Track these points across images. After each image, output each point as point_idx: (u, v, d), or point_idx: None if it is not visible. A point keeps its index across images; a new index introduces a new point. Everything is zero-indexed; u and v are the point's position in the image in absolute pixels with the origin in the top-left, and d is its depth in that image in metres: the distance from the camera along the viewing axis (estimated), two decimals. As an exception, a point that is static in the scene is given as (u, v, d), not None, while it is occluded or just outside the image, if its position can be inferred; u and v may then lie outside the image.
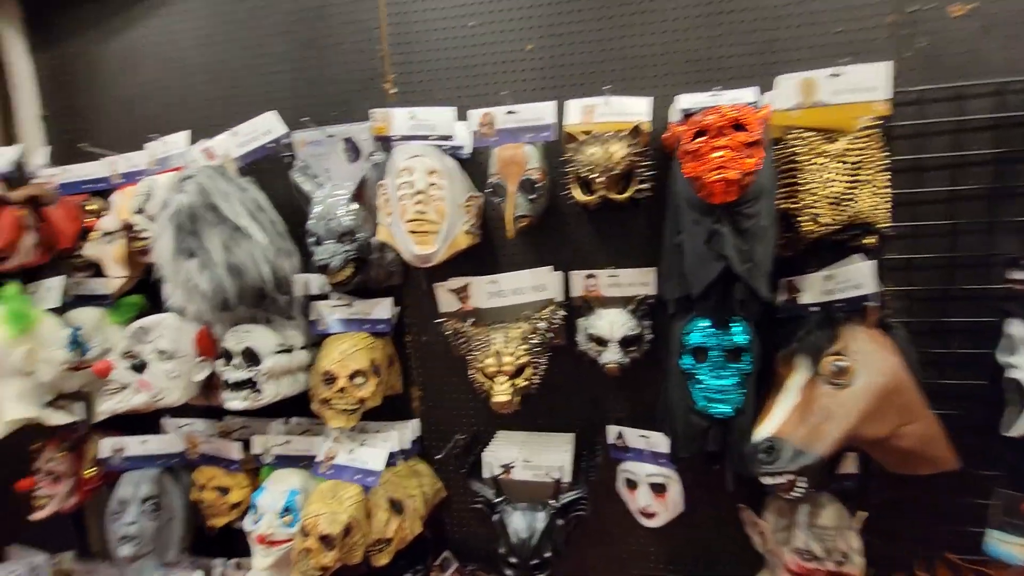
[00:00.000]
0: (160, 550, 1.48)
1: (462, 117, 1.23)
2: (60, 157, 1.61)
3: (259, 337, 1.26)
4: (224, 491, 1.44)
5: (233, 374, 1.23)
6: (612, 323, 1.21)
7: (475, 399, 1.40)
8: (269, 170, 1.45)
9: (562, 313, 1.26)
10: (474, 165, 1.31)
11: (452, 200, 1.15)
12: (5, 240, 1.39)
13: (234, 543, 1.55)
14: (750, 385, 1.05)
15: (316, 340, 1.40)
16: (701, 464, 1.13)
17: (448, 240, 1.13)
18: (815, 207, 1.00)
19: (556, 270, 1.27)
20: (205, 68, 1.50)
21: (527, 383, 1.19)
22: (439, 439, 1.50)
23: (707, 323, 1.07)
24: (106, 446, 1.47)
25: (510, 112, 1.16)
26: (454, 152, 1.28)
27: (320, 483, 1.32)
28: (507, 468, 1.25)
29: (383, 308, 1.37)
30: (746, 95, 1.07)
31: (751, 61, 1.19)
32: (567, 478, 1.23)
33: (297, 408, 1.50)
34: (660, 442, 1.25)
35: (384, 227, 1.19)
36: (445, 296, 1.31)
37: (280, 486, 1.36)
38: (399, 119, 1.19)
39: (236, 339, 1.25)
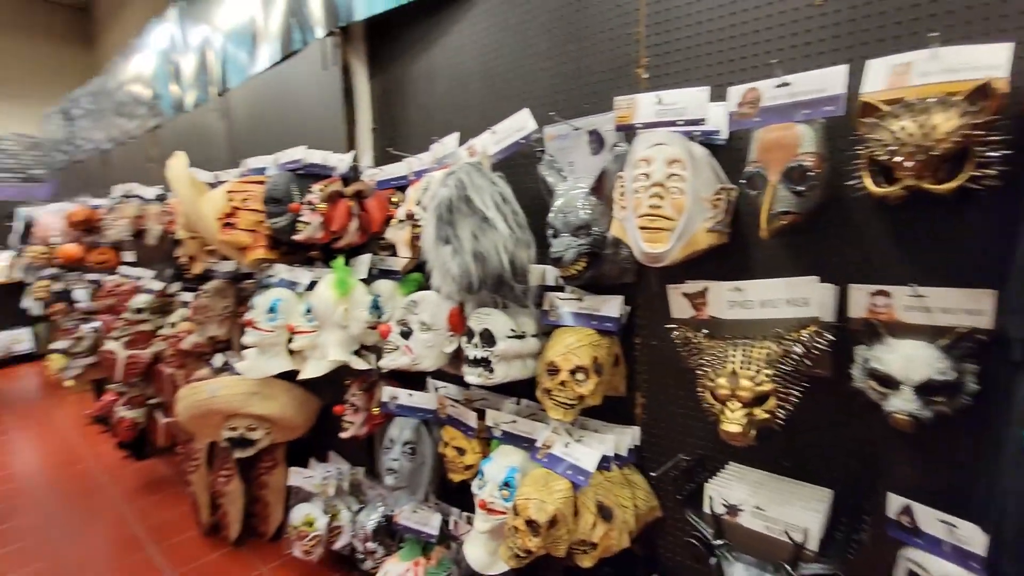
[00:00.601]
0: (413, 487, 1.77)
1: (720, 97, 1.08)
2: (380, 159, 2.05)
3: (496, 321, 1.36)
4: (461, 452, 1.62)
5: (472, 351, 1.36)
6: (910, 360, 0.89)
7: (704, 419, 1.23)
8: (523, 164, 1.56)
9: (829, 337, 0.99)
10: (731, 152, 1.14)
11: (694, 193, 1.01)
12: (340, 224, 1.83)
13: (470, 498, 1.75)
14: None
15: (547, 330, 1.44)
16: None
17: (684, 238, 1.00)
18: None
19: (826, 281, 1.00)
20: (480, 75, 1.67)
21: (768, 416, 0.98)
22: (659, 454, 1.38)
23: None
24: (387, 393, 1.82)
25: (782, 85, 0.96)
26: (707, 138, 1.13)
27: (536, 468, 1.36)
28: (733, 510, 1.06)
29: (613, 306, 1.32)
30: None
31: None
32: (812, 545, 0.97)
33: (532, 391, 1.59)
34: (974, 539, 0.88)
35: (617, 221, 1.13)
36: (678, 300, 1.18)
37: (504, 460, 1.46)
38: (644, 105, 1.11)
39: (478, 320, 1.37)
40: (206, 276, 2.83)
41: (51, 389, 5.46)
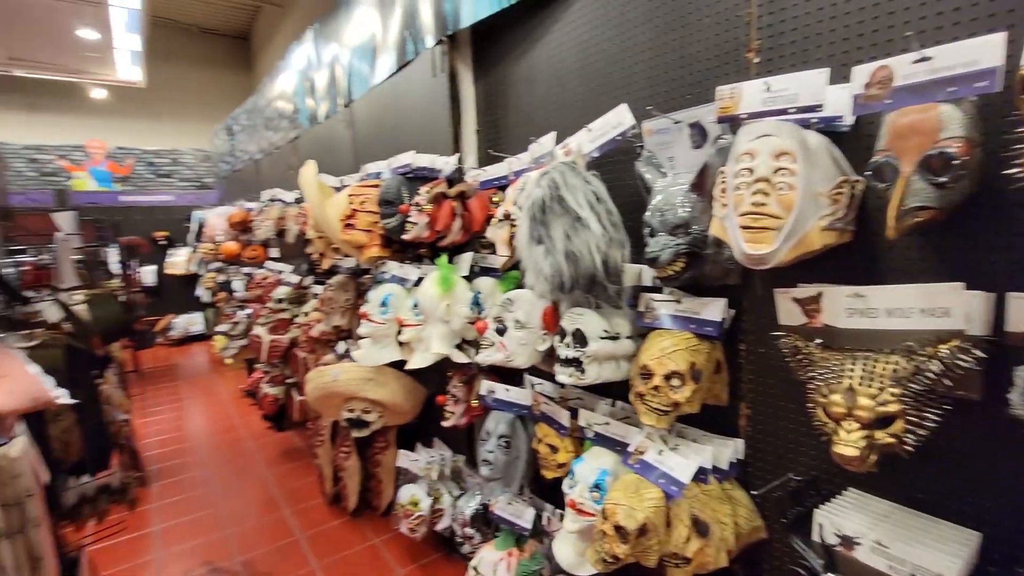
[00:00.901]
0: (507, 480, 1.82)
1: (844, 79, 0.96)
2: (483, 160, 2.12)
3: (589, 321, 1.35)
4: (554, 449, 1.63)
5: (564, 351, 1.36)
6: (1089, 387, 0.73)
7: (819, 437, 1.11)
8: (622, 161, 1.52)
9: (978, 353, 0.84)
10: (858, 140, 1.01)
11: (807, 188, 0.91)
12: (444, 224, 1.93)
13: (563, 495, 1.76)
14: None
15: (643, 332, 1.40)
16: None
17: (793, 238, 0.91)
18: None
19: (974, 288, 0.85)
20: (578, 73, 1.66)
21: (893, 441, 0.86)
22: (766, 471, 1.27)
23: None
24: (484, 386, 1.89)
25: (920, 60, 0.83)
26: (828, 125, 1.02)
27: (627, 473, 1.33)
28: (848, 542, 0.95)
29: (715, 309, 1.24)
30: None
31: None
32: (950, 596, 0.83)
33: (627, 393, 1.55)
34: None
35: (718, 220, 1.06)
36: (787, 305, 1.07)
37: (595, 462, 1.44)
38: (750, 93, 1.02)
39: (570, 320, 1.37)
40: (332, 271, 3.14)
41: (215, 365, 6.41)
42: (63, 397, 0.63)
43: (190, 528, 2.87)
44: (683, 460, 1.23)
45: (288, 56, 4.21)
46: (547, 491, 1.88)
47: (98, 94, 7.87)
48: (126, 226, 7.23)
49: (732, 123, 1.07)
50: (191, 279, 7.45)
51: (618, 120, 1.34)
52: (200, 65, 9.13)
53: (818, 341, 0.99)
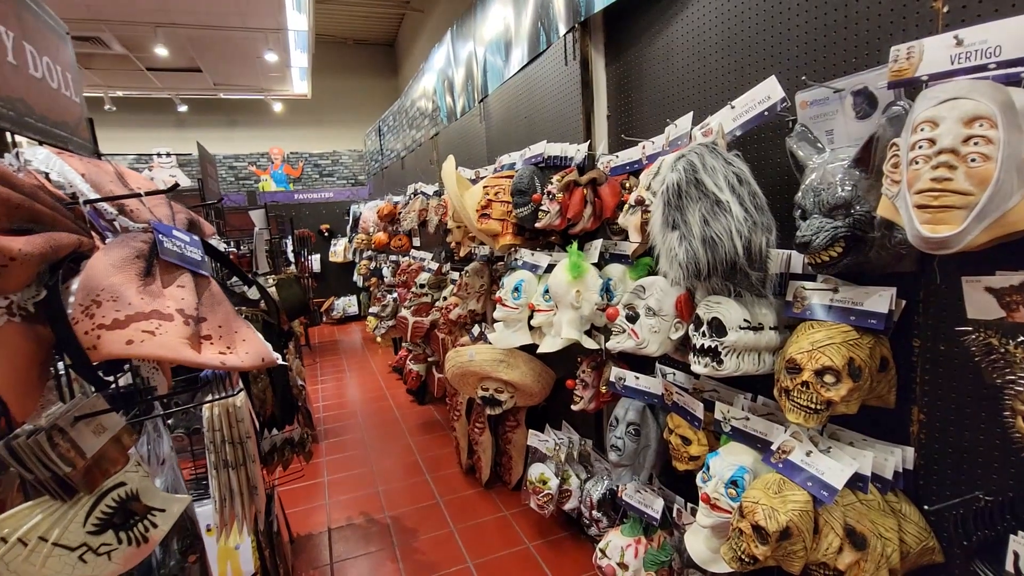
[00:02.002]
0: (636, 468, 1.81)
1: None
2: (616, 146, 2.10)
3: (728, 310, 1.28)
4: (686, 441, 1.58)
5: (699, 340, 1.31)
6: None
7: (1016, 450, 0.94)
8: (769, 138, 1.41)
9: None
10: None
11: (1011, 158, 0.77)
12: (575, 212, 1.95)
13: (694, 488, 1.70)
14: None
15: (790, 323, 1.29)
16: None
17: (988, 218, 0.78)
18: None
19: None
20: (721, 45, 1.55)
21: None
22: (941, 485, 1.11)
23: None
24: (614, 373, 1.89)
25: None
26: (1041, 82, 0.84)
27: (768, 472, 1.25)
28: (1056, 578, 0.80)
29: (880, 299, 1.10)
30: None
31: None
32: None
33: (771, 387, 1.46)
34: None
35: (887, 199, 0.94)
36: (979, 296, 0.92)
37: (732, 457, 1.37)
38: (934, 50, 0.88)
39: (707, 309, 1.31)
40: (468, 259, 3.34)
41: (367, 342, 7.21)
42: (279, 359, 0.78)
43: (350, 482, 3.30)
44: (836, 464, 1.12)
45: (430, 58, 4.52)
46: (678, 482, 1.83)
47: (276, 108, 9.19)
48: (298, 220, 8.39)
49: (911, 88, 0.94)
50: (348, 266, 8.43)
51: (766, 94, 1.24)
52: (354, 74, 10.19)
53: (1021, 339, 0.83)
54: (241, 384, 0.98)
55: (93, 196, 0.70)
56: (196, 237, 0.78)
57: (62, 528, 0.64)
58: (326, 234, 8.92)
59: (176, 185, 0.76)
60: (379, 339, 5.62)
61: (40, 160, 0.69)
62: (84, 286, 0.60)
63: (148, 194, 0.75)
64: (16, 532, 0.62)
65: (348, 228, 8.23)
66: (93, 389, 0.68)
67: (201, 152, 2.80)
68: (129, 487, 0.72)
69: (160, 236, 0.70)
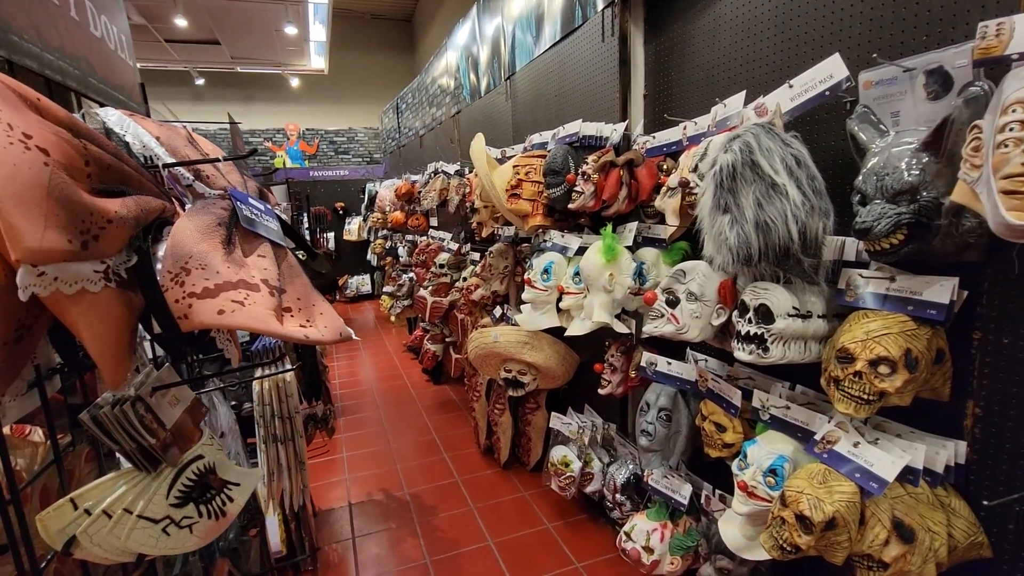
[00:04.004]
0: (666, 453, 1.80)
1: None
2: (652, 127, 2.05)
3: (776, 297, 1.25)
4: (721, 428, 1.57)
5: (745, 327, 1.29)
6: None
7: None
8: (824, 120, 1.36)
9: None
10: None
11: (1110, 142, 0.73)
12: (611, 193, 1.91)
13: (724, 475, 1.70)
14: None
15: (840, 311, 1.26)
16: None
17: (1083, 205, 0.74)
18: None
19: None
20: (775, 21, 1.49)
21: None
22: (997, 481, 1.09)
23: None
24: (645, 358, 1.87)
25: None
26: None
27: (812, 462, 1.23)
28: None
29: (941, 290, 1.07)
30: None
31: None
32: None
33: (808, 376, 1.44)
34: None
35: (964, 184, 0.90)
36: (1057, 289, 0.88)
37: (772, 446, 1.36)
38: (1028, 27, 0.83)
39: (754, 295, 1.28)
40: (491, 239, 3.32)
41: (381, 322, 7.24)
42: (353, 335, 0.77)
43: (369, 459, 3.34)
44: (887, 456, 1.10)
45: (453, 34, 4.44)
46: (705, 468, 1.83)
47: (294, 83, 9.13)
48: (313, 198, 8.39)
49: (998, 67, 0.89)
50: (362, 245, 8.43)
51: (828, 72, 1.19)
52: (370, 50, 10.07)
53: (1105, 334, 0.80)
54: (288, 361, 0.97)
55: (170, 160, 0.68)
56: (269, 206, 0.76)
57: (147, 500, 0.64)
58: (340, 212, 8.92)
59: (255, 150, 0.74)
60: (393, 319, 5.63)
61: (113, 122, 0.67)
62: (172, 252, 0.58)
63: (227, 159, 0.73)
64: (101, 504, 0.61)
65: (363, 206, 8.21)
66: (163, 360, 0.67)
67: (232, 127, 2.78)
68: (207, 460, 0.72)
69: (238, 203, 0.68)
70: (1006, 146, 0.79)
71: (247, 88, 9.39)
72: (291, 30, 6.41)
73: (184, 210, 0.67)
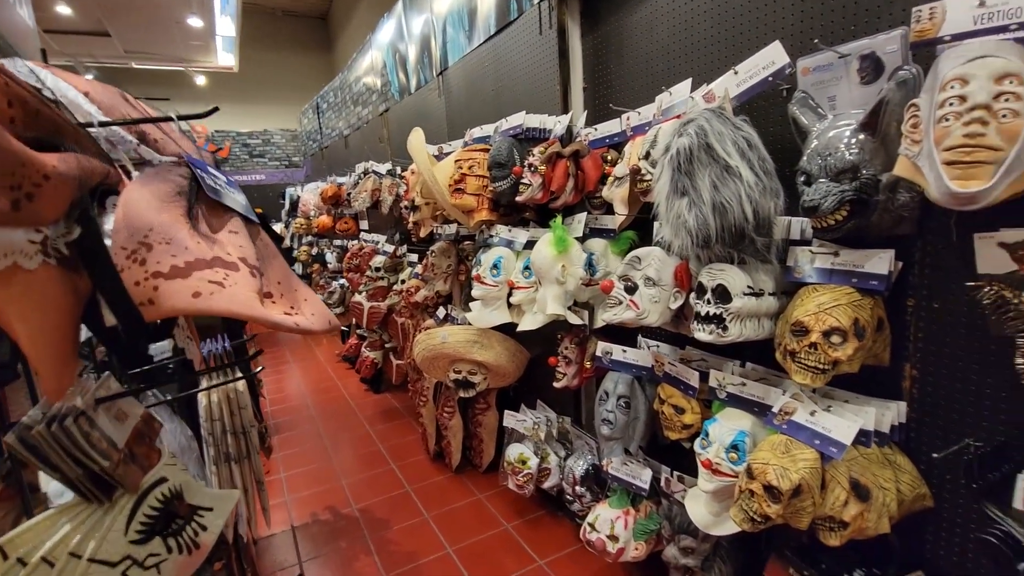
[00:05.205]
0: (626, 440, 1.81)
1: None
2: (592, 119, 2.07)
3: (732, 277, 1.29)
4: (680, 411, 1.60)
5: (705, 308, 1.32)
6: None
7: (1013, 398, 1.01)
8: (762, 107, 1.42)
9: None
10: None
11: (1035, 115, 0.80)
12: (559, 185, 1.90)
13: (679, 457, 1.74)
14: None
15: (788, 288, 1.32)
16: None
17: (1013, 174, 0.81)
18: None
19: None
20: (711, 13, 1.55)
21: None
22: (934, 436, 1.18)
23: None
24: (601, 348, 1.88)
25: None
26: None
27: (771, 434, 1.28)
28: (1063, 510, 0.86)
29: (880, 261, 1.14)
30: None
31: None
32: None
33: (757, 354, 1.50)
34: None
35: (906, 159, 0.96)
36: (991, 252, 0.96)
37: (731, 423, 1.40)
38: (957, 10, 0.90)
39: (710, 276, 1.32)
40: (427, 240, 3.22)
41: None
42: (340, 325, 0.68)
43: (310, 477, 3.13)
44: (842, 421, 1.16)
45: (377, 30, 4.29)
46: (662, 452, 1.86)
47: (199, 81, 8.45)
48: (228, 204, 7.82)
49: (928, 50, 0.96)
50: (285, 252, 7.96)
51: (770, 59, 1.24)
52: (285, 48, 9.55)
53: (1033, 290, 0.88)
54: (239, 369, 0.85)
55: (104, 118, 0.56)
56: (232, 179, 0.65)
57: (99, 539, 0.50)
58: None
59: (216, 108, 0.63)
60: (325, 328, 5.38)
61: (23, 74, 0.53)
62: (127, 225, 0.46)
63: (182, 118, 0.61)
64: (39, 550, 0.47)
65: (284, 212, 7.75)
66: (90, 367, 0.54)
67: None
68: (172, 483, 0.59)
69: (199, 171, 0.57)
70: (947, 120, 0.85)
71: (145, 86, 8.57)
72: (195, 22, 5.92)
73: (130, 180, 0.55)
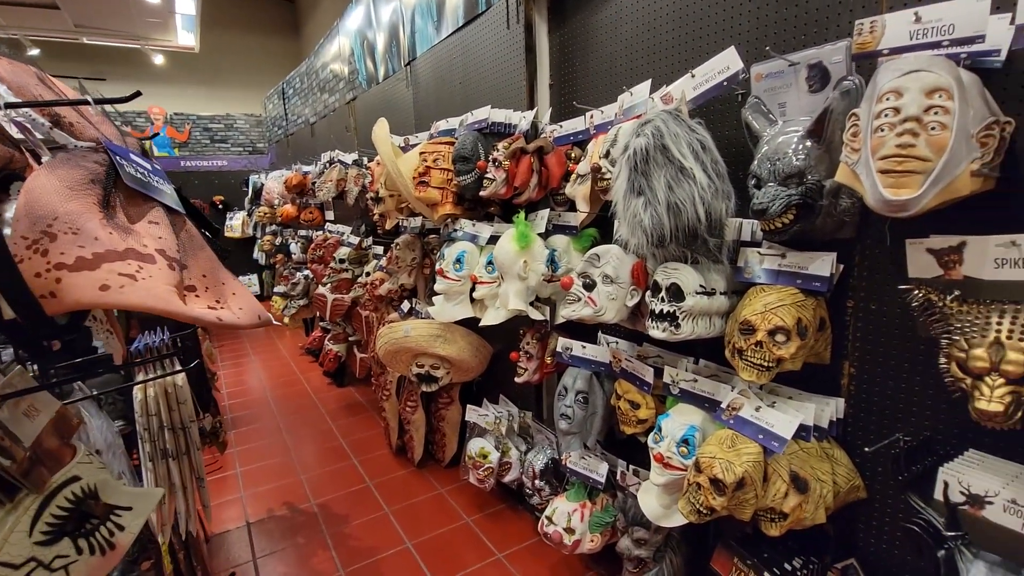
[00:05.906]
0: (583, 434, 1.84)
1: (1005, 8, 0.88)
2: (557, 116, 2.08)
3: (686, 276, 1.32)
4: (635, 406, 1.64)
5: (659, 306, 1.35)
6: None
7: (936, 396, 1.07)
8: (718, 111, 1.46)
9: None
10: (1010, 77, 0.94)
11: (961, 129, 0.85)
12: (523, 180, 1.91)
13: (636, 451, 1.78)
14: None
15: (739, 288, 1.36)
16: None
17: (940, 183, 0.86)
18: None
19: None
20: (673, 16, 1.57)
21: (1046, 397, 0.81)
22: (868, 431, 1.24)
23: None
24: (561, 344, 1.90)
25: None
26: (977, 60, 0.93)
27: (719, 428, 1.32)
28: (976, 501, 0.92)
29: (823, 263, 1.19)
30: None
31: None
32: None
33: (709, 352, 1.54)
34: None
35: (846, 167, 1.00)
36: (920, 257, 1.02)
37: (683, 418, 1.44)
38: (895, 25, 0.94)
39: (665, 275, 1.35)
40: (395, 232, 3.18)
41: (273, 325, 6.70)
42: (272, 320, 0.66)
43: (268, 472, 3.06)
44: (784, 416, 1.21)
45: (344, 17, 4.19)
46: (618, 446, 1.90)
47: (157, 60, 8.08)
48: (187, 190, 7.51)
49: (868, 61, 1.00)
50: (248, 242, 7.73)
51: (726, 64, 1.27)
52: (248, 30, 9.22)
53: (956, 293, 0.94)
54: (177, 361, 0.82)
55: (13, 99, 0.52)
56: (158, 166, 0.62)
57: None
58: (220, 207, 8.09)
59: (138, 92, 0.60)
60: (288, 320, 5.23)
61: None
62: (28, 213, 0.43)
63: (99, 102, 0.58)
64: None
65: (247, 200, 7.51)
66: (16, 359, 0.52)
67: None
68: (85, 482, 0.57)
69: (118, 158, 0.54)
70: (882, 130, 0.89)
71: (97, 63, 8.14)
72: (152, -1, 5.66)
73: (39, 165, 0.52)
